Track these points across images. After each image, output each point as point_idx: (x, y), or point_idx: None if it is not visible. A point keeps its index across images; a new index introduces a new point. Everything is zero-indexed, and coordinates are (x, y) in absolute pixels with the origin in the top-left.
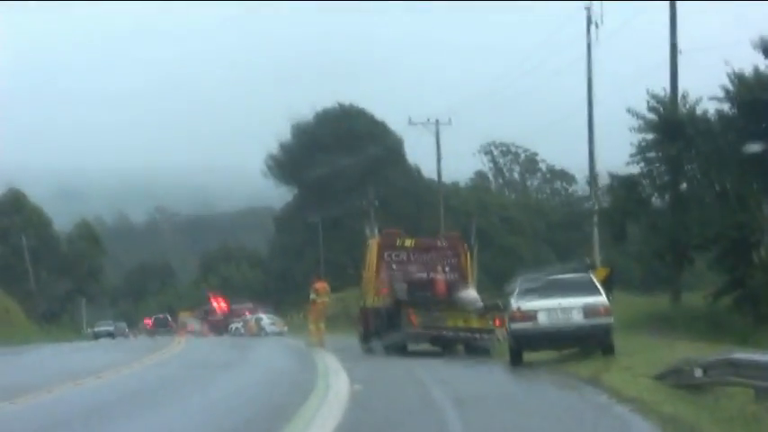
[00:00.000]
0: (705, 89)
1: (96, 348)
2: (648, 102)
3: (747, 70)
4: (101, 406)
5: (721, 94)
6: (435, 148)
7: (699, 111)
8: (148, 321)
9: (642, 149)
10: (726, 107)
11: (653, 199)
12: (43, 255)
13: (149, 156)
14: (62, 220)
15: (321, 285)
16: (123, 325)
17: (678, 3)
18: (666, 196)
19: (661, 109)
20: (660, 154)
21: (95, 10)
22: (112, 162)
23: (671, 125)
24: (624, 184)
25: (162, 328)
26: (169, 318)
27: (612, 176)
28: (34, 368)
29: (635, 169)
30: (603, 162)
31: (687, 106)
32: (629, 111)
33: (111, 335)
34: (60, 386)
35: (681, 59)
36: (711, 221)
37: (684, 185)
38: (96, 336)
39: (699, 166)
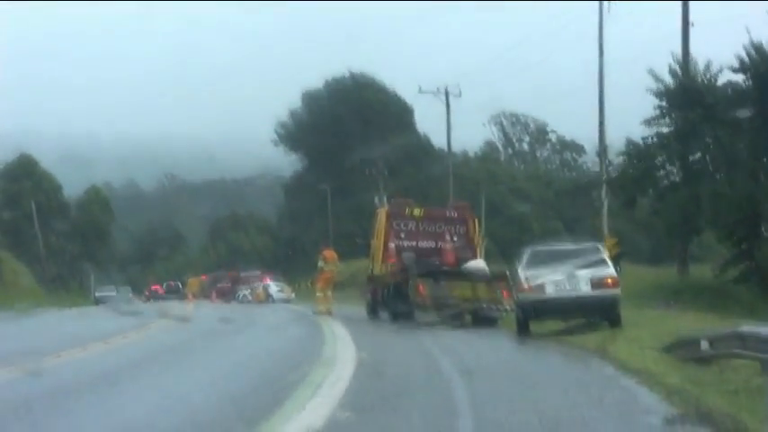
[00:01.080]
0: (719, 60)
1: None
2: (670, 66)
3: (764, 41)
4: (107, 371)
5: (736, 64)
6: (445, 118)
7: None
8: (156, 287)
9: (658, 116)
10: (740, 78)
11: (664, 169)
12: (53, 220)
13: (159, 122)
14: (72, 186)
15: (329, 254)
16: (127, 289)
17: None
18: (678, 167)
19: (680, 75)
20: (677, 121)
21: None
22: (122, 128)
23: (690, 93)
24: (638, 152)
25: (173, 294)
26: (180, 285)
27: (629, 142)
28: (41, 332)
29: (651, 135)
30: (613, 133)
31: (708, 76)
32: (649, 72)
33: (114, 301)
34: (69, 351)
35: (693, 32)
36: (722, 194)
37: (698, 155)
38: (98, 301)
39: (715, 136)
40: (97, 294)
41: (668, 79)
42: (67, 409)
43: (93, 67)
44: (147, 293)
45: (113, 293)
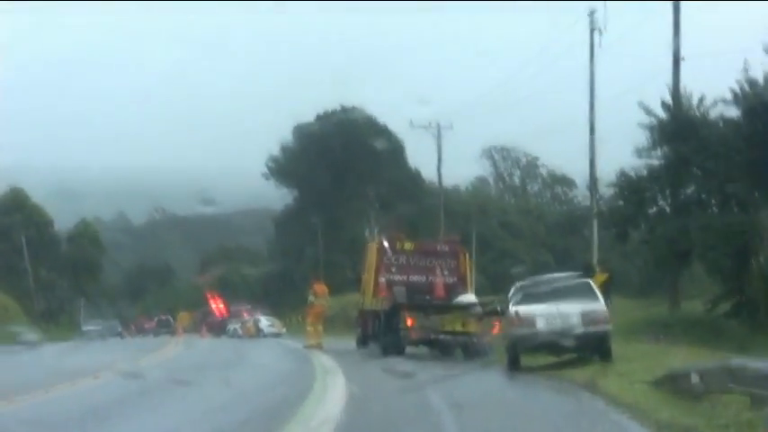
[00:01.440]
0: (709, 93)
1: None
2: (663, 101)
3: (756, 75)
4: (97, 407)
5: (729, 97)
6: (436, 152)
7: (712, 115)
8: (146, 321)
9: (649, 148)
10: (733, 112)
11: (656, 202)
12: (43, 254)
13: (149, 155)
14: (62, 220)
15: (320, 288)
16: (115, 323)
17: (683, 5)
18: (669, 200)
19: (672, 108)
20: (668, 154)
21: (97, 8)
22: (112, 161)
23: (684, 126)
24: (629, 184)
25: (164, 328)
26: (171, 319)
27: (621, 173)
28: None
29: (642, 167)
30: (604, 166)
31: (702, 109)
32: (640, 105)
33: (101, 335)
34: (58, 386)
35: (684, 66)
36: (713, 227)
37: (691, 189)
38: (84, 336)
39: (706, 169)
40: (84, 329)
41: (660, 112)
42: None
43: (84, 100)
44: (133, 327)
45: (99, 327)
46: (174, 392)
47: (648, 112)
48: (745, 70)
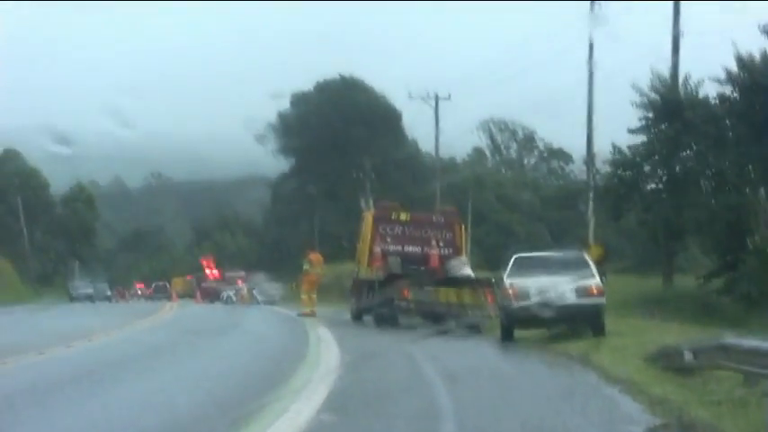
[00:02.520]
0: (708, 72)
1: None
2: (651, 81)
3: (753, 54)
4: (93, 368)
5: (722, 76)
6: (434, 123)
7: (701, 94)
8: (141, 285)
9: (642, 128)
10: (727, 90)
11: (650, 180)
12: (38, 216)
13: (146, 121)
14: (57, 183)
15: (315, 256)
16: (104, 286)
17: None
18: (664, 178)
19: (662, 89)
20: (662, 132)
21: None
22: (109, 126)
23: (670, 106)
24: (624, 161)
25: (161, 293)
26: (168, 285)
27: (615, 149)
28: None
29: (636, 145)
30: (601, 141)
31: (688, 89)
32: (632, 87)
33: (90, 298)
34: (52, 348)
35: (685, 42)
36: (704, 206)
37: (683, 168)
38: (73, 299)
39: (695, 150)
40: (72, 292)
41: (653, 91)
42: None
43: (82, 64)
44: (119, 292)
45: (90, 290)
46: (163, 358)
47: (641, 92)
48: (735, 48)
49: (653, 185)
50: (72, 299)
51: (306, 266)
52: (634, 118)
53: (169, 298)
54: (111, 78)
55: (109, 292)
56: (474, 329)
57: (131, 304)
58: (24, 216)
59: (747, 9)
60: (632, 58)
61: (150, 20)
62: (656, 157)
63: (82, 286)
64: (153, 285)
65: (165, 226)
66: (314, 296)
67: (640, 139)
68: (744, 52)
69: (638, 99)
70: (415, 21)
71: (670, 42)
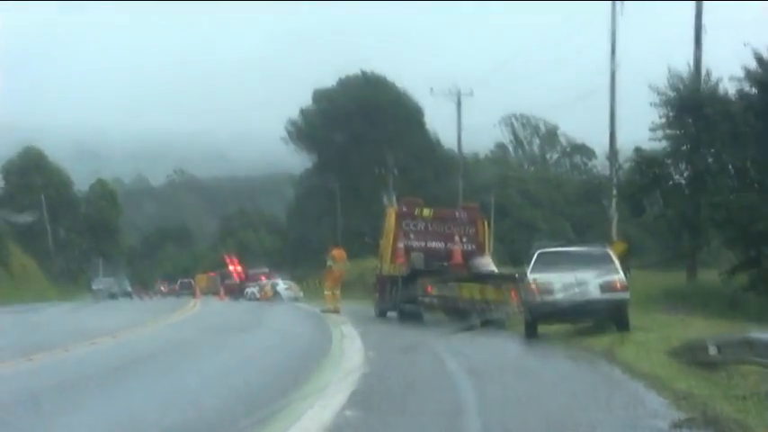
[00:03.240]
0: (731, 67)
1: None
2: (669, 79)
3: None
4: (119, 365)
5: (742, 73)
6: (456, 119)
7: (721, 90)
8: (164, 282)
9: (662, 125)
10: (746, 86)
11: (671, 178)
12: (62, 214)
13: (170, 118)
14: (80, 180)
15: (338, 252)
16: (125, 282)
17: None
18: (685, 174)
19: (681, 86)
20: (679, 131)
21: None
22: (132, 123)
23: (689, 104)
24: (645, 159)
25: (186, 290)
26: (192, 282)
27: (637, 150)
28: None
29: (657, 144)
30: (625, 136)
31: (708, 85)
32: (650, 87)
33: (113, 296)
34: (77, 345)
35: (707, 37)
36: (722, 204)
37: (704, 165)
38: (95, 297)
39: (715, 147)
40: (94, 287)
41: (673, 88)
42: None
43: (105, 61)
44: (140, 290)
45: (114, 288)
46: (188, 354)
47: (657, 91)
48: (752, 45)
49: (674, 182)
50: (94, 296)
51: (329, 263)
52: (656, 113)
53: (193, 295)
54: (134, 75)
55: (129, 289)
56: (498, 325)
57: (155, 301)
58: (48, 214)
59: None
60: (655, 52)
61: (176, 18)
62: (678, 154)
63: (104, 283)
64: (178, 282)
65: (188, 223)
66: (337, 292)
67: (660, 134)
68: (762, 46)
69: (657, 98)
70: (436, 17)
71: (692, 37)
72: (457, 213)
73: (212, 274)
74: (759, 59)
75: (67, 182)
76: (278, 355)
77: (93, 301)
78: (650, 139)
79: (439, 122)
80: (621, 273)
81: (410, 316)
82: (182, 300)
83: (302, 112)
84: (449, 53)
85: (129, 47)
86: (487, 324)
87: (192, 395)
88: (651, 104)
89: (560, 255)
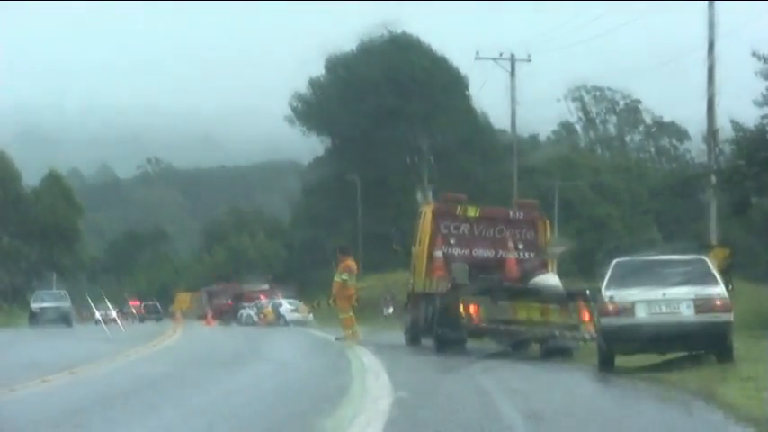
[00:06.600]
0: None
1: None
2: None
3: None
4: (78, 408)
5: None
6: (509, 91)
7: None
8: (135, 302)
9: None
10: None
11: None
12: (6, 216)
13: (141, 95)
14: (28, 172)
15: (352, 264)
16: (65, 305)
17: None
18: None
19: None
20: None
21: None
22: (94, 101)
23: None
24: (750, 140)
25: (152, 315)
26: (158, 306)
27: (736, 126)
28: None
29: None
30: (727, 114)
31: None
32: (754, 54)
33: (52, 321)
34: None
35: None
36: None
37: None
38: (35, 317)
39: None
40: (33, 306)
41: None
42: None
43: (61, 30)
44: (82, 314)
45: (54, 307)
46: (176, 394)
47: (763, 59)
48: None
49: None
50: (32, 320)
51: (343, 276)
52: (763, 85)
53: (160, 319)
54: (96, 44)
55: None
56: (564, 355)
57: (111, 328)
58: None
59: None
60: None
61: None
62: None
63: (45, 301)
64: (141, 304)
65: (165, 226)
66: (351, 314)
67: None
68: None
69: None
70: None
71: None
72: (510, 213)
73: (197, 293)
74: None
75: (14, 174)
76: (286, 397)
77: (30, 326)
78: (763, 117)
79: (487, 96)
80: (723, 287)
81: (451, 343)
82: (148, 327)
83: (312, 83)
84: (499, 8)
85: (92, 8)
86: (551, 354)
87: None
88: (756, 74)
89: (643, 265)
